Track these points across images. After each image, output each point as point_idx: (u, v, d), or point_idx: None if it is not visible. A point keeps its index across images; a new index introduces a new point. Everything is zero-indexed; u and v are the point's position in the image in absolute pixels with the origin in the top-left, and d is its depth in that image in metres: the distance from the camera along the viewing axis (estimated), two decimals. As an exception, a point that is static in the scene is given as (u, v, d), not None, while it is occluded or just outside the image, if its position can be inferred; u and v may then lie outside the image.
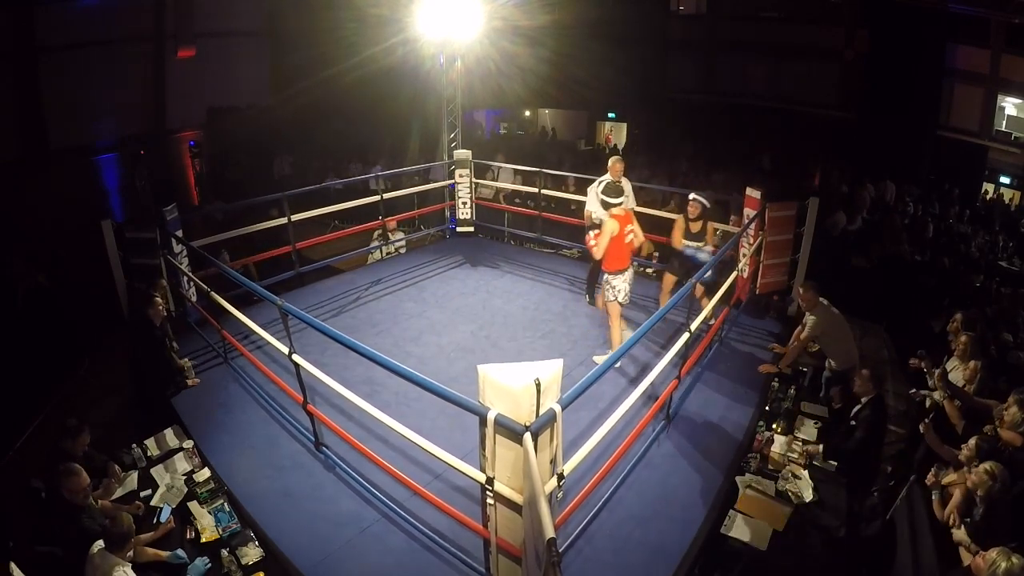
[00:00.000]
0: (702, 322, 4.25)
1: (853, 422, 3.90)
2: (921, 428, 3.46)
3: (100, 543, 2.73)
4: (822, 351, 4.69)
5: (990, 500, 2.83)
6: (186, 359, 4.58)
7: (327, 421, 3.66)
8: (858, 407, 3.90)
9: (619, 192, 4.41)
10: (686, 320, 3.92)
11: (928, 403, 4.17)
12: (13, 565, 2.54)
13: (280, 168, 12.08)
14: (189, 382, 4.46)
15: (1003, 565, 2.39)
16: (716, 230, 5.23)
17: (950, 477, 3.19)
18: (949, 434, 3.66)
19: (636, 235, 4.56)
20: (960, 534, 2.90)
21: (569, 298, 6.03)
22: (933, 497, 3.21)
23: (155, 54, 11.41)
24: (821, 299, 4.46)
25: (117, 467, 3.55)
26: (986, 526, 2.82)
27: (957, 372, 4.12)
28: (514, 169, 8.47)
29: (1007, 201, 11.22)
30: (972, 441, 3.11)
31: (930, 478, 3.27)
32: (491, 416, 2.30)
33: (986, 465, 2.87)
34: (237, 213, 7.12)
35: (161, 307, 4.43)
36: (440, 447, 2.81)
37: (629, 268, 4.53)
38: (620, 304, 4.57)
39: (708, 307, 4.42)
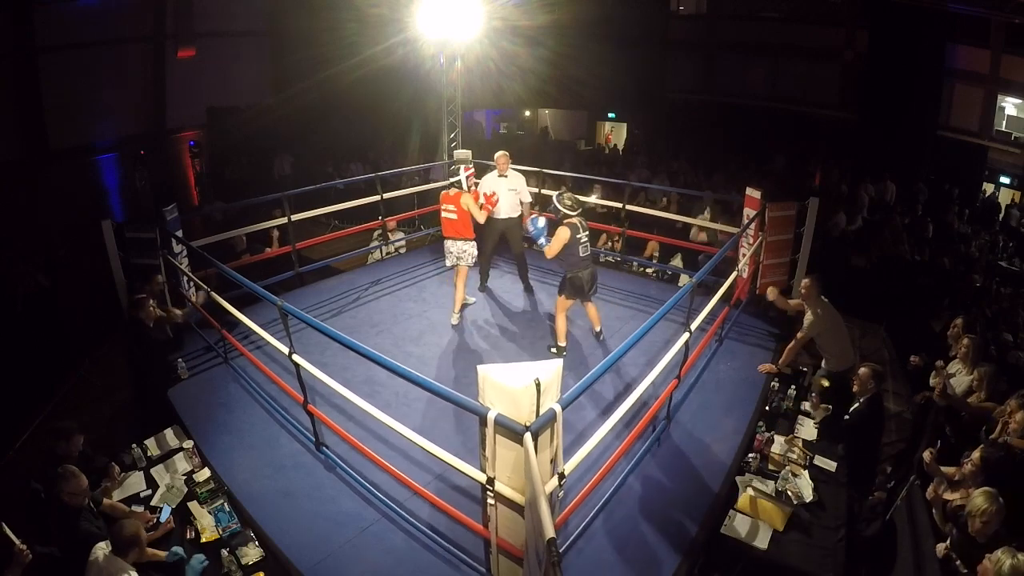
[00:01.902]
0: (704, 322, 4.25)
1: (847, 417, 3.91)
2: (926, 457, 3.40)
3: (103, 546, 2.73)
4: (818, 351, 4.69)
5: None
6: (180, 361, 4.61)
7: (327, 421, 3.67)
8: (856, 405, 3.90)
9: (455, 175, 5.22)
10: (686, 320, 3.92)
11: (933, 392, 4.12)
12: (3, 524, 2.55)
13: (280, 168, 12.09)
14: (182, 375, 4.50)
15: (1008, 562, 2.40)
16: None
17: (951, 495, 3.17)
18: (953, 441, 3.66)
19: (457, 214, 5.11)
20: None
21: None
22: (934, 512, 3.16)
23: (155, 54, 11.42)
24: (822, 297, 4.46)
25: (117, 468, 3.55)
26: None
27: (961, 376, 4.11)
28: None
29: (1009, 201, 11.22)
30: (975, 454, 3.06)
31: (930, 492, 3.22)
32: (491, 416, 2.30)
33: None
34: (237, 213, 7.12)
35: (153, 307, 4.42)
36: (440, 447, 2.82)
37: (451, 240, 5.21)
38: (449, 267, 5.36)
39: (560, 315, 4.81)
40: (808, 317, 4.44)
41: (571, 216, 4.61)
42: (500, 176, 5.75)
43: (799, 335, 4.51)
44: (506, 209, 5.78)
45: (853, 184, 10.05)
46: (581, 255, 4.62)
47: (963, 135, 11.48)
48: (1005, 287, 7.00)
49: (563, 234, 4.55)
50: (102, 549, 2.71)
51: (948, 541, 2.88)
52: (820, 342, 4.51)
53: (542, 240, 4.61)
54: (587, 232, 4.71)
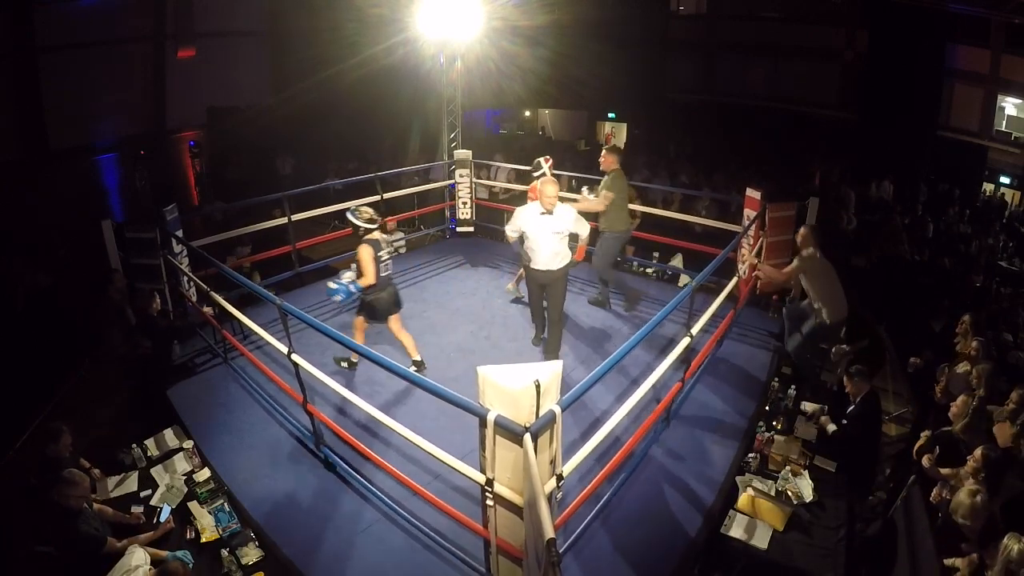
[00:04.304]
0: (705, 325, 4.24)
1: (845, 420, 3.91)
2: (925, 462, 3.42)
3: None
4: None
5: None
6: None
7: (327, 421, 3.66)
8: (852, 406, 3.90)
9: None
10: (687, 322, 3.92)
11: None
12: None
13: (282, 168, 12.10)
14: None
15: (1015, 547, 2.43)
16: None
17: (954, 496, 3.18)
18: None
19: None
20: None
21: (569, 299, 5.96)
22: (940, 515, 3.16)
23: (155, 54, 11.41)
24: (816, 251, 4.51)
25: (98, 472, 3.56)
26: None
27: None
28: (511, 168, 8.50)
29: (1008, 201, 11.23)
30: (978, 452, 3.08)
31: (935, 495, 3.23)
32: (491, 417, 2.30)
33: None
34: (237, 213, 7.11)
35: (157, 304, 4.42)
36: (440, 448, 2.81)
37: None
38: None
39: None
40: (797, 259, 4.52)
41: (372, 230, 4.27)
42: (542, 214, 4.30)
43: (787, 269, 4.59)
44: (545, 259, 4.37)
45: (853, 184, 10.05)
46: (381, 274, 4.30)
47: (963, 135, 11.48)
48: (1005, 287, 7.00)
49: (366, 254, 4.16)
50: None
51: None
52: (814, 290, 4.52)
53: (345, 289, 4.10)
54: (389, 249, 4.39)
